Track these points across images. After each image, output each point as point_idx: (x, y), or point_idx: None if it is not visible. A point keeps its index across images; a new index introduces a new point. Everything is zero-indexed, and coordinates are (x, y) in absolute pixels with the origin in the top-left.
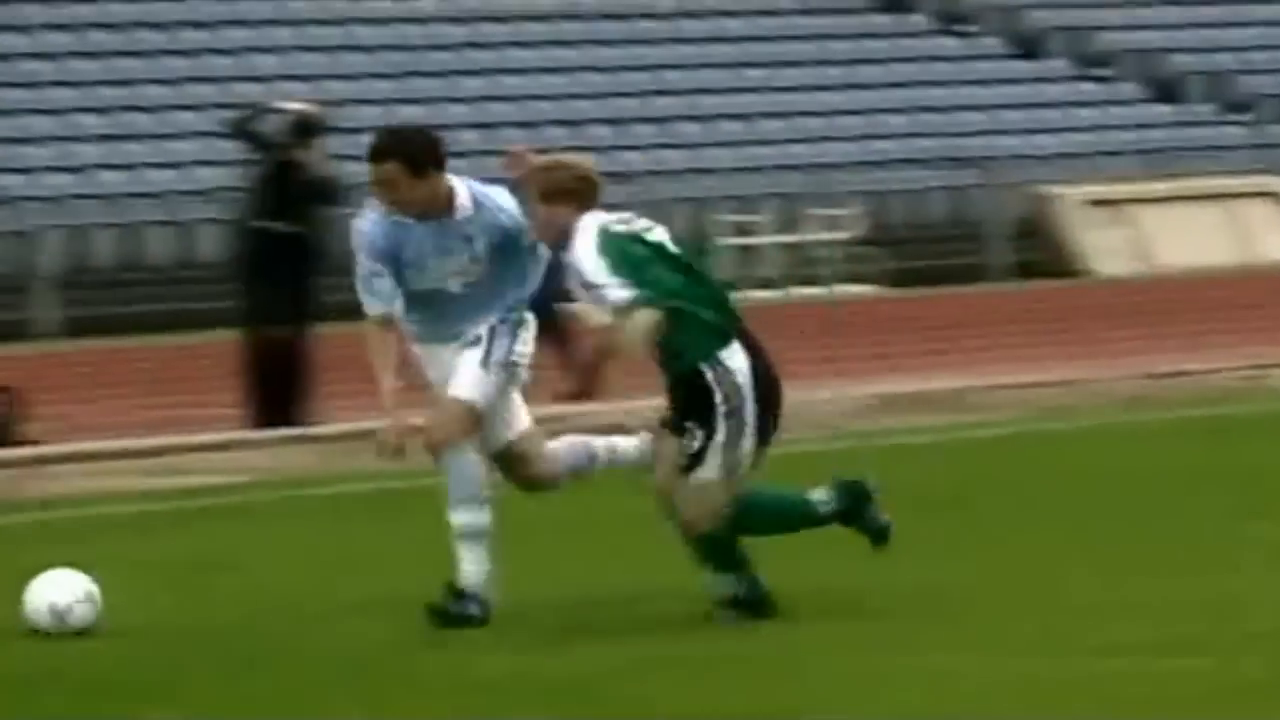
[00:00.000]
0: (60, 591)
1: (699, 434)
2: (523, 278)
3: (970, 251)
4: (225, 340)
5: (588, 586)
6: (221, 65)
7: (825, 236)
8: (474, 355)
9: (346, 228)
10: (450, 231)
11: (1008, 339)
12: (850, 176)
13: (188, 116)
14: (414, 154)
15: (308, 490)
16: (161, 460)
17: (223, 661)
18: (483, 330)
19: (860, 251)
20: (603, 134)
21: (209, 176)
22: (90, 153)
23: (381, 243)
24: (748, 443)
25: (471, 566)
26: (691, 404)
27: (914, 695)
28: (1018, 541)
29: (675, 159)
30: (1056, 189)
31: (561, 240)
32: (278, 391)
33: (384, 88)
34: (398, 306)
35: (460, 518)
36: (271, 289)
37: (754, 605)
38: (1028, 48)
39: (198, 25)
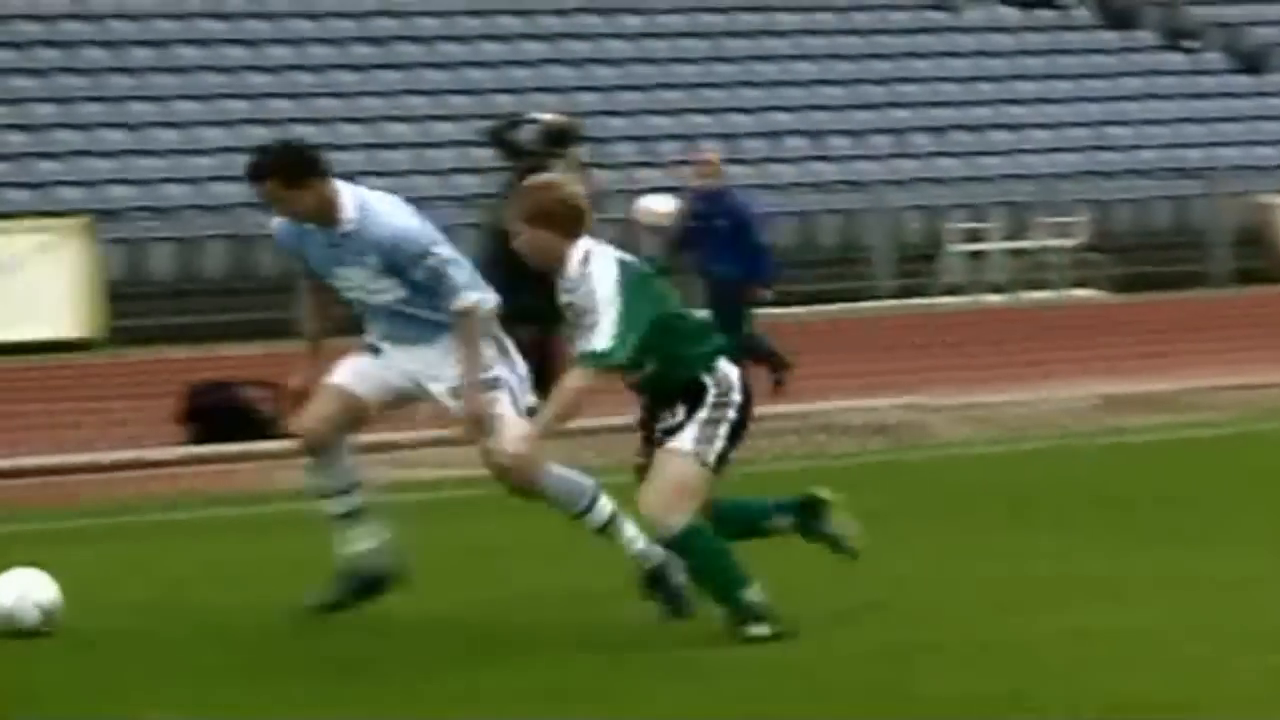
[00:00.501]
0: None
1: (681, 410)
2: (453, 294)
3: (1192, 258)
4: None
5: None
6: (478, 78)
7: (1053, 243)
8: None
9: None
10: (341, 243)
11: (1227, 342)
12: (1077, 186)
13: (447, 127)
14: (287, 167)
15: None
16: (415, 452)
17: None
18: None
19: (1086, 258)
20: (841, 144)
21: (467, 183)
22: (354, 160)
23: (284, 240)
24: (723, 431)
25: None
26: (685, 399)
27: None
28: (1240, 536)
29: (909, 168)
30: (1277, 199)
31: (548, 265)
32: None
33: (632, 99)
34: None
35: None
36: (520, 290)
37: (761, 613)
38: (1249, 63)
39: (456, 40)
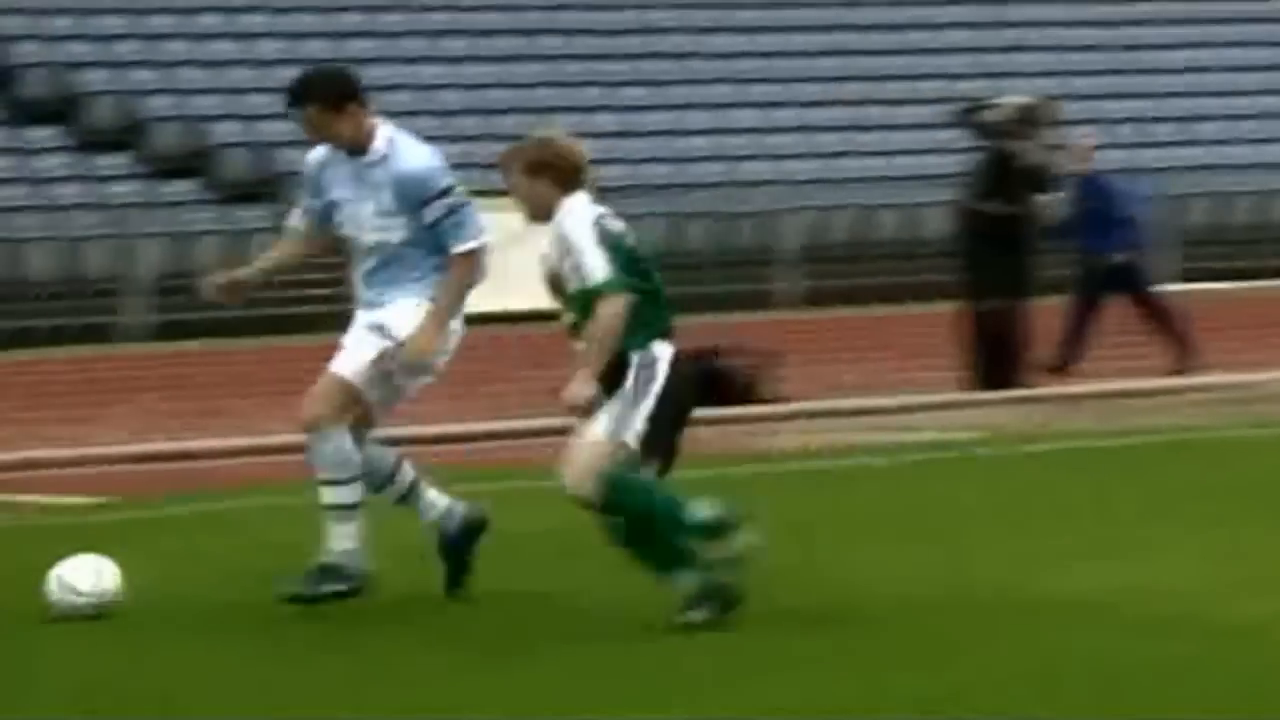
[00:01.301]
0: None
1: (602, 398)
2: (438, 260)
3: None
4: (947, 311)
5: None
6: (948, 64)
7: None
8: (364, 337)
9: (1054, 211)
10: (363, 173)
11: None
12: None
13: (918, 110)
14: (328, 92)
15: (1026, 447)
16: (891, 418)
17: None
18: (387, 315)
19: None
20: (1127, 131)
21: (936, 163)
22: (831, 141)
23: (313, 170)
24: (639, 416)
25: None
26: (610, 379)
27: None
28: None
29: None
30: None
31: (543, 216)
32: (997, 358)
33: (1089, 84)
34: (301, 223)
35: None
36: (989, 266)
37: (718, 596)
38: None
39: (926, 27)
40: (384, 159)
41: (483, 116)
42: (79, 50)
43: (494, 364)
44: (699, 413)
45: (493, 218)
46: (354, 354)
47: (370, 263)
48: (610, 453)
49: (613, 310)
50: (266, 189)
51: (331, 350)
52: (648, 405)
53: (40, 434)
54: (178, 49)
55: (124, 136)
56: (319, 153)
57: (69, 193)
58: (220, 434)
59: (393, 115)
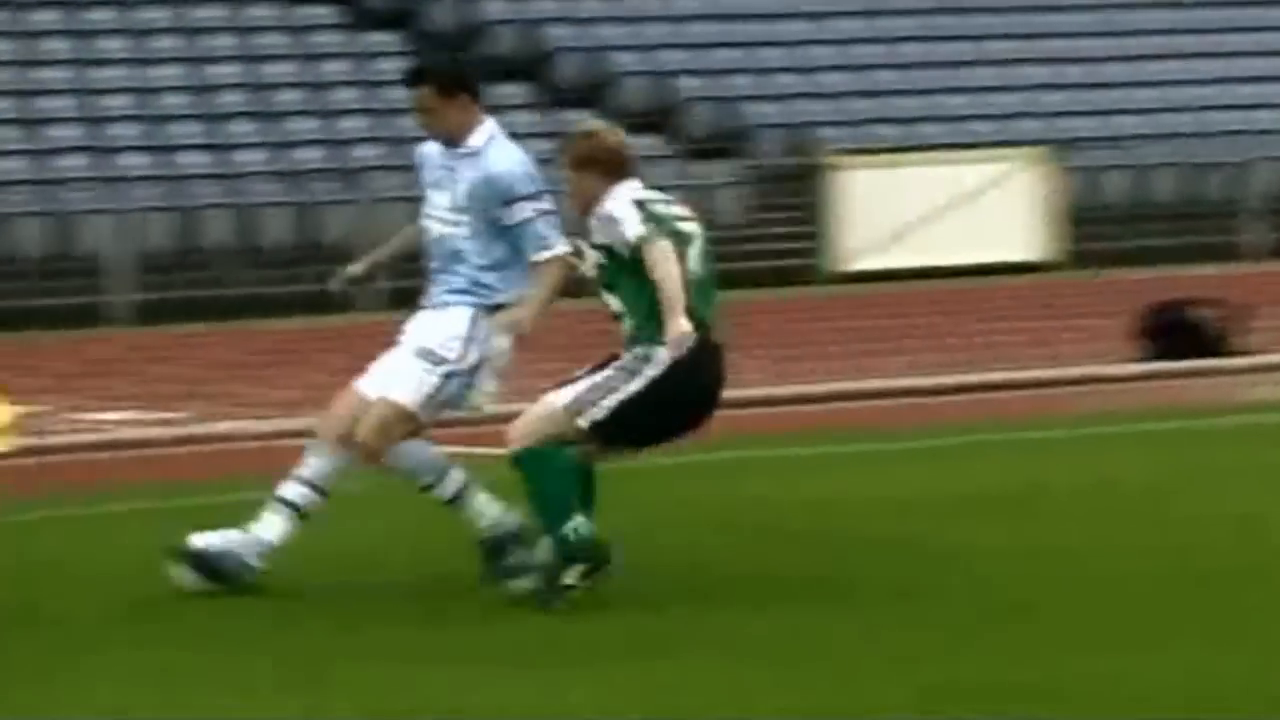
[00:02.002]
0: None
1: (585, 368)
2: (502, 263)
3: None
4: None
5: None
6: None
7: None
8: (419, 366)
9: None
10: (453, 165)
11: None
12: None
13: None
14: (444, 78)
15: None
16: None
17: None
18: (437, 334)
19: None
20: None
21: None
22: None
23: (419, 158)
24: (606, 403)
25: None
26: (606, 358)
27: None
28: None
29: None
30: None
31: (588, 209)
32: None
33: None
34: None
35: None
36: None
37: (590, 551)
38: None
39: None
40: (476, 154)
41: (853, 73)
42: (547, 7)
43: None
44: (1170, 365)
45: (936, 172)
46: (412, 383)
47: (435, 258)
48: (559, 422)
49: (658, 254)
50: (730, 144)
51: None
52: (618, 398)
53: None
54: (645, 3)
55: (591, 93)
56: (427, 145)
57: (538, 148)
58: None
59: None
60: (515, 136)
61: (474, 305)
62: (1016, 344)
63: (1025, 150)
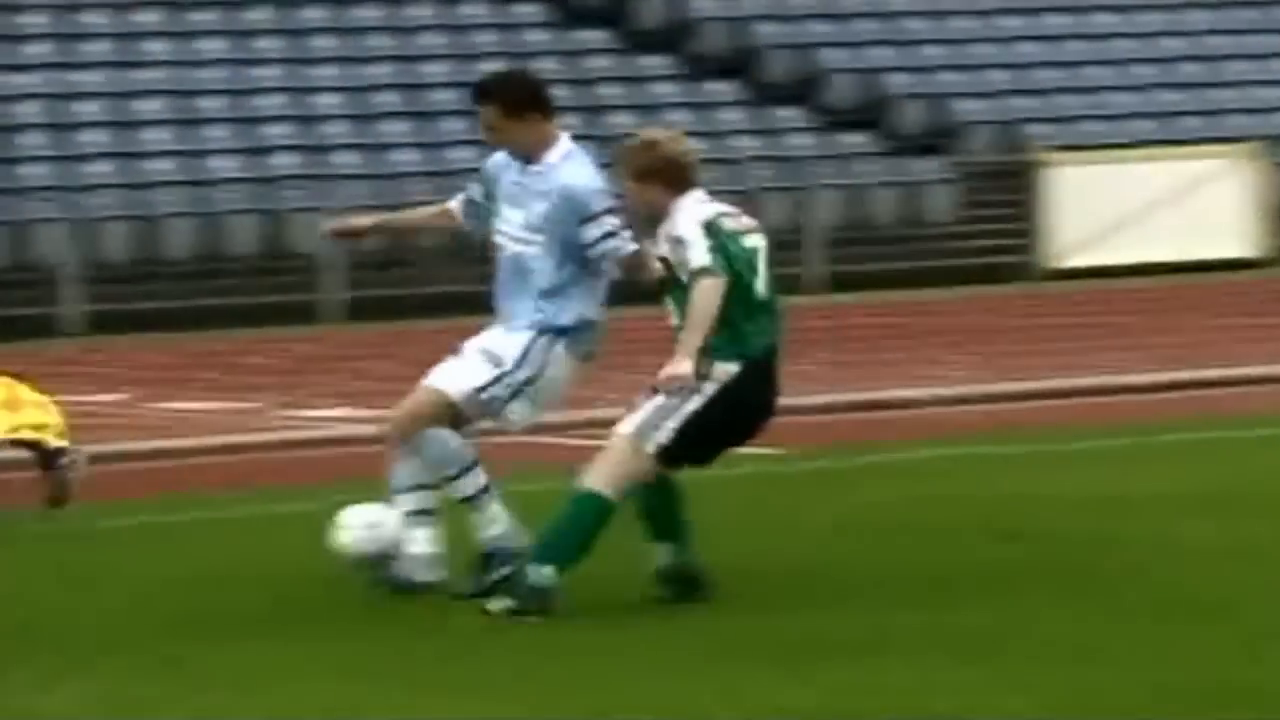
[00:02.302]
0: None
1: (646, 391)
2: (568, 283)
3: None
4: None
5: None
6: None
7: None
8: (478, 360)
9: None
10: (527, 182)
11: None
12: None
13: None
14: (510, 97)
15: None
16: None
17: None
18: (505, 342)
19: None
20: None
21: None
22: None
23: (491, 170)
24: (670, 424)
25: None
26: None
27: None
28: None
29: None
30: None
31: (652, 219)
32: None
33: None
34: (459, 205)
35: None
36: None
37: (683, 579)
38: None
39: None
40: (550, 171)
41: (1064, 69)
42: (755, 4)
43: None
44: None
45: (1148, 169)
46: (463, 374)
47: (504, 273)
48: (630, 461)
49: (708, 289)
50: (941, 141)
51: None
52: (680, 418)
53: None
54: (854, 2)
55: (800, 89)
56: (499, 156)
57: (746, 145)
58: (906, 385)
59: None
60: (723, 134)
61: (538, 328)
62: (1229, 340)
63: (1237, 146)
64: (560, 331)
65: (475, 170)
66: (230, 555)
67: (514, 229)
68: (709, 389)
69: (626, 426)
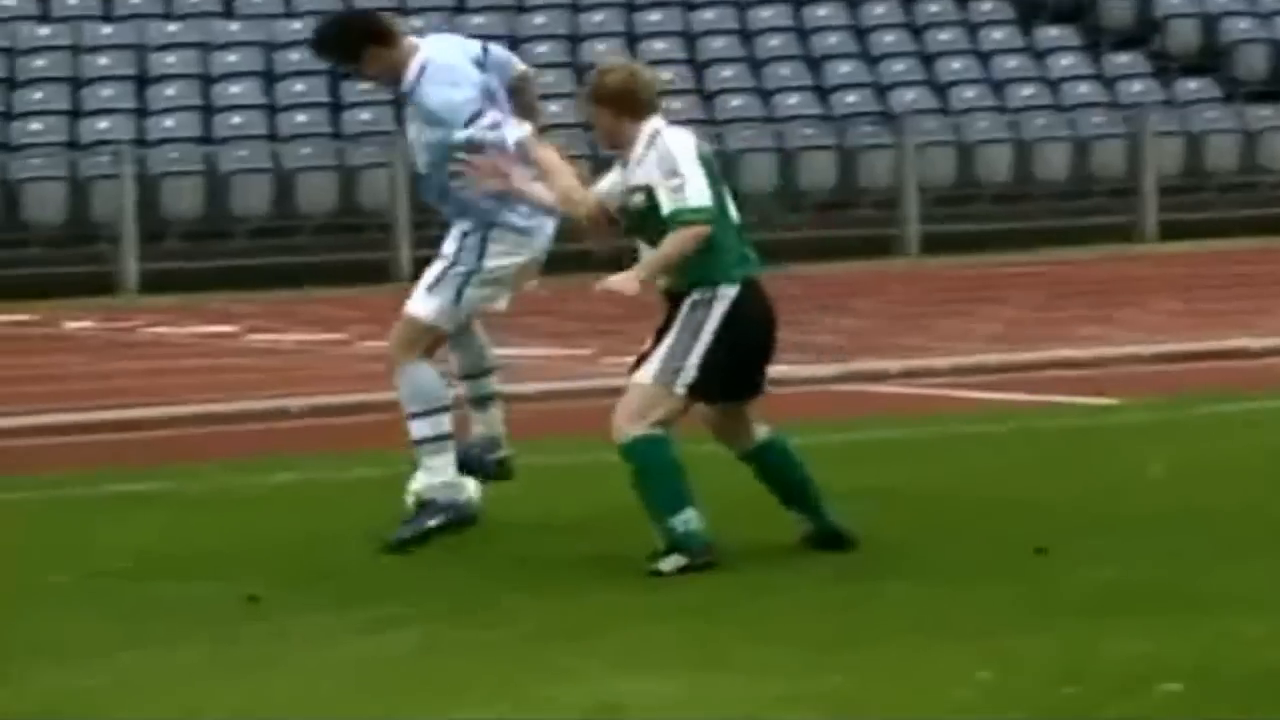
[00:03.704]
0: None
1: (651, 340)
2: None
3: None
4: None
5: None
6: None
7: None
8: (430, 273)
9: None
10: (406, 100)
11: None
12: None
13: None
14: (344, 43)
15: None
16: None
17: None
18: (451, 244)
19: None
20: None
21: None
22: None
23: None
24: (691, 361)
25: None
26: (667, 318)
27: None
28: None
29: None
30: None
31: (620, 144)
32: None
33: None
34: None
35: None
36: None
37: (697, 548)
38: None
39: None
40: (415, 84)
41: None
42: None
43: None
44: None
45: None
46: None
47: (427, 189)
48: (658, 401)
49: (694, 234)
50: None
51: None
52: (700, 349)
53: (1064, 334)
54: None
55: (1138, 34)
56: None
57: (1082, 92)
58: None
59: None
60: (1057, 81)
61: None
62: None
63: None
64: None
65: None
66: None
67: (413, 143)
68: (716, 316)
69: (644, 375)
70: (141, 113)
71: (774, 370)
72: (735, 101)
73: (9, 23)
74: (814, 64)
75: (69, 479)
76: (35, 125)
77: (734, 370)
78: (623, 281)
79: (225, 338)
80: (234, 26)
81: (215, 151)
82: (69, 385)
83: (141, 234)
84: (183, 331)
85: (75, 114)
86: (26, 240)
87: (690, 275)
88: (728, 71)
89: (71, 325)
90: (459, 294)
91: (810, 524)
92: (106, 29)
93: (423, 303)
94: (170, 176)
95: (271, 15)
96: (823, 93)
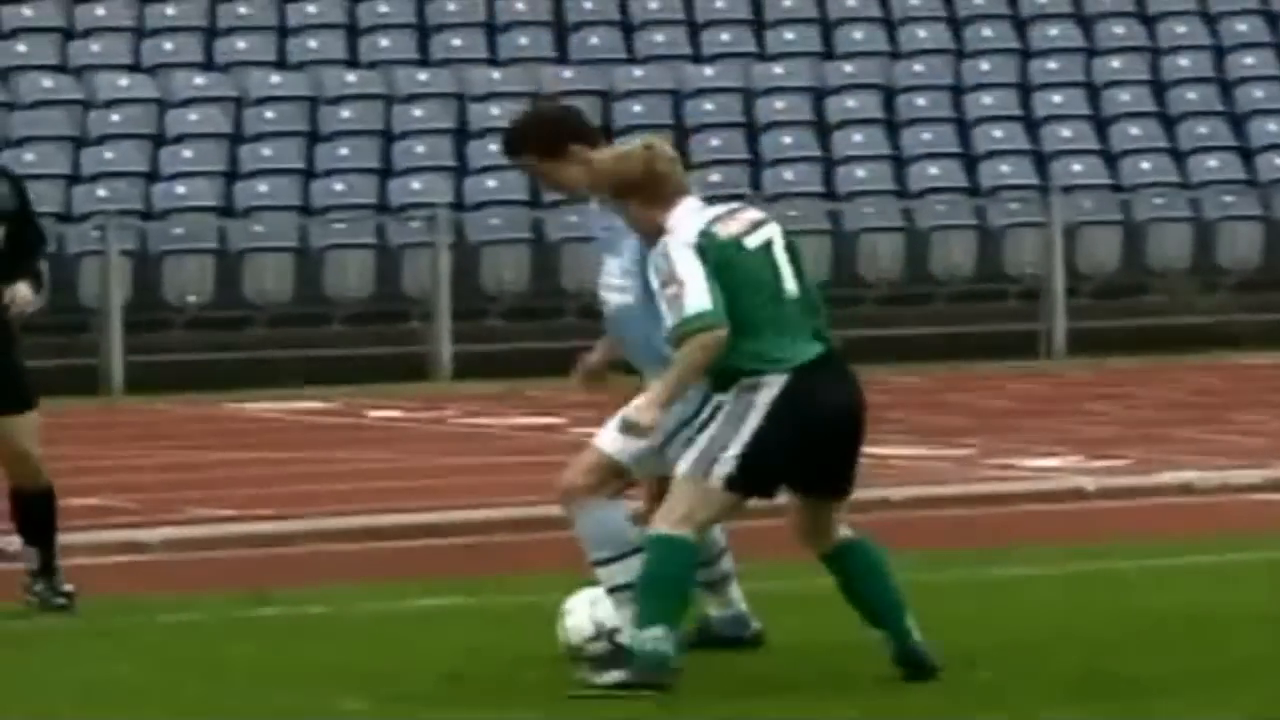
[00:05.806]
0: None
1: (696, 423)
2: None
3: None
4: None
5: None
6: None
7: None
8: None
9: None
10: (595, 225)
11: None
12: None
13: None
14: (544, 138)
15: None
16: None
17: None
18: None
19: None
20: None
21: None
22: None
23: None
24: (728, 455)
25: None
26: (709, 402)
27: None
28: None
29: None
30: None
31: (648, 237)
32: None
33: None
34: None
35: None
36: None
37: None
38: None
39: None
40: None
41: None
42: None
43: None
44: None
45: None
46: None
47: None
48: (701, 502)
49: (705, 342)
50: None
51: None
52: (740, 443)
53: None
54: None
55: None
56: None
57: None
58: None
59: None
60: None
61: None
62: None
63: None
64: None
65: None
66: None
67: (608, 275)
68: (761, 405)
69: (683, 465)
70: (460, 171)
71: (1183, 476)
72: (1145, 164)
73: (314, 66)
74: (1236, 121)
75: (363, 592)
76: (339, 185)
77: (793, 466)
78: (641, 413)
79: (549, 430)
80: (568, 74)
81: (542, 217)
82: (370, 484)
83: (457, 310)
84: (501, 423)
85: (385, 173)
86: (328, 317)
87: (731, 365)
88: (1135, 129)
89: (375, 414)
90: None
91: (893, 644)
92: (422, 75)
93: None
94: (491, 246)
95: (608, 60)
96: (1246, 154)
